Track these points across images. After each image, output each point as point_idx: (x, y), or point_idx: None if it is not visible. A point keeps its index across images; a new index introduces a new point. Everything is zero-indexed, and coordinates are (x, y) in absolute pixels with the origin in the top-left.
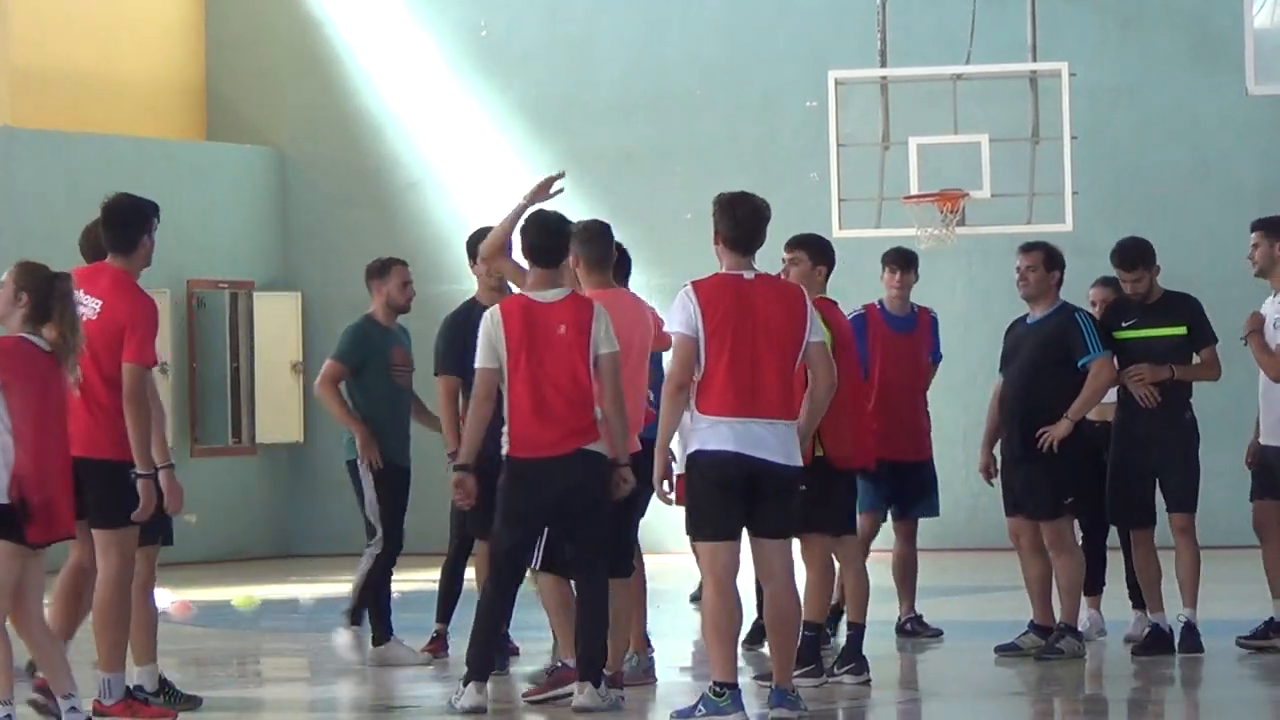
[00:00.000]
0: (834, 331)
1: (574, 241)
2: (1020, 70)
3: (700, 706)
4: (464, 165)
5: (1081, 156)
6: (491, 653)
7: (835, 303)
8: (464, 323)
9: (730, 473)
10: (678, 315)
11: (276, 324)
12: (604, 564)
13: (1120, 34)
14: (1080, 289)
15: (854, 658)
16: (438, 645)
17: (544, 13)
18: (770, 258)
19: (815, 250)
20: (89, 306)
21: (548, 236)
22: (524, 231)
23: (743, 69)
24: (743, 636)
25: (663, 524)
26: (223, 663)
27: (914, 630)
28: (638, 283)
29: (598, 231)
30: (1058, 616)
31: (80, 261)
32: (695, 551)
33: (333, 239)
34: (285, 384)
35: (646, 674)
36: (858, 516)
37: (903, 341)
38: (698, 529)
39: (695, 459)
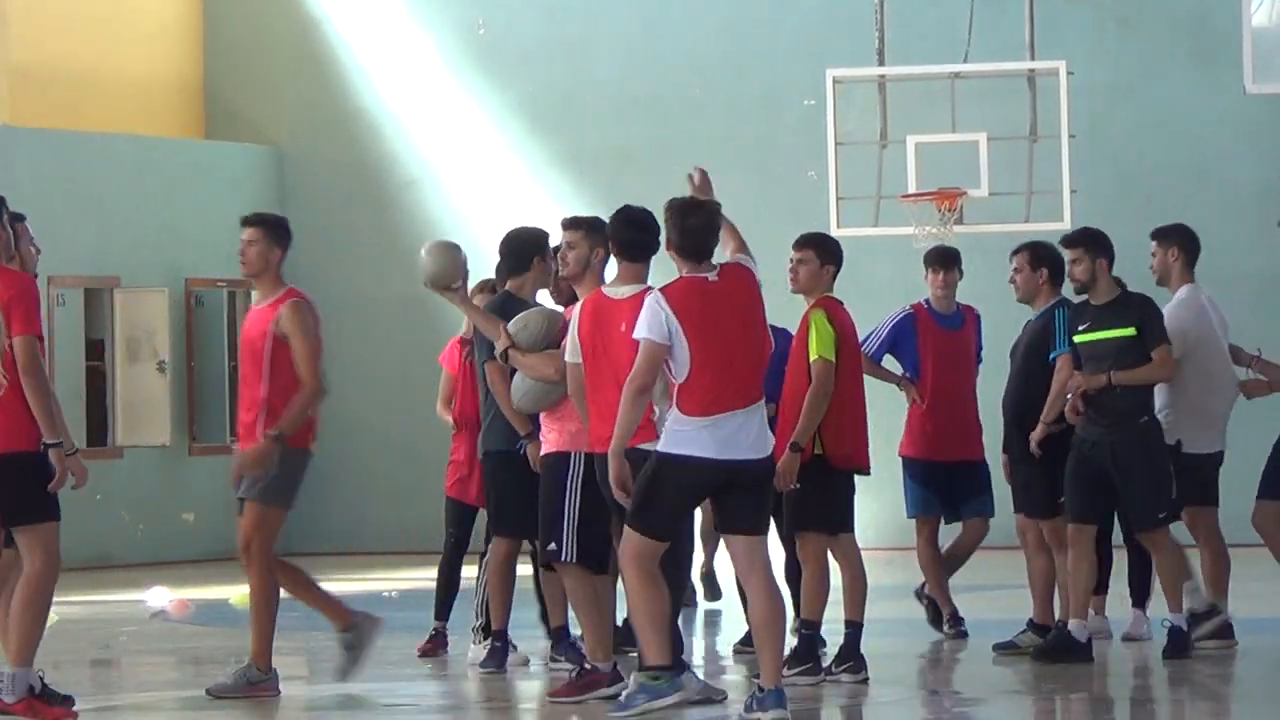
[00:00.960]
0: (837, 330)
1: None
2: (1018, 69)
3: (640, 694)
4: (462, 164)
5: (1080, 155)
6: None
7: (841, 302)
8: (498, 311)
9: (705, 480)
10: (649, 321)
11: None
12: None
13: (1118, 33)
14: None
15: (852, 656)
16: (436, 643)
17: (542, 12)
18: (771, 256)
19: (824, 250)
20: None
21: (638, 231)
22: (610, 228)
23: (741, 68)
24: (737, 640)
25: None
26: (221, 661)
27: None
28: None
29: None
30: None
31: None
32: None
33: (331, 237)
34: None
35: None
36: (915, 520)
37: (952, 340)
38: (643, 522)
39: (668, 461)
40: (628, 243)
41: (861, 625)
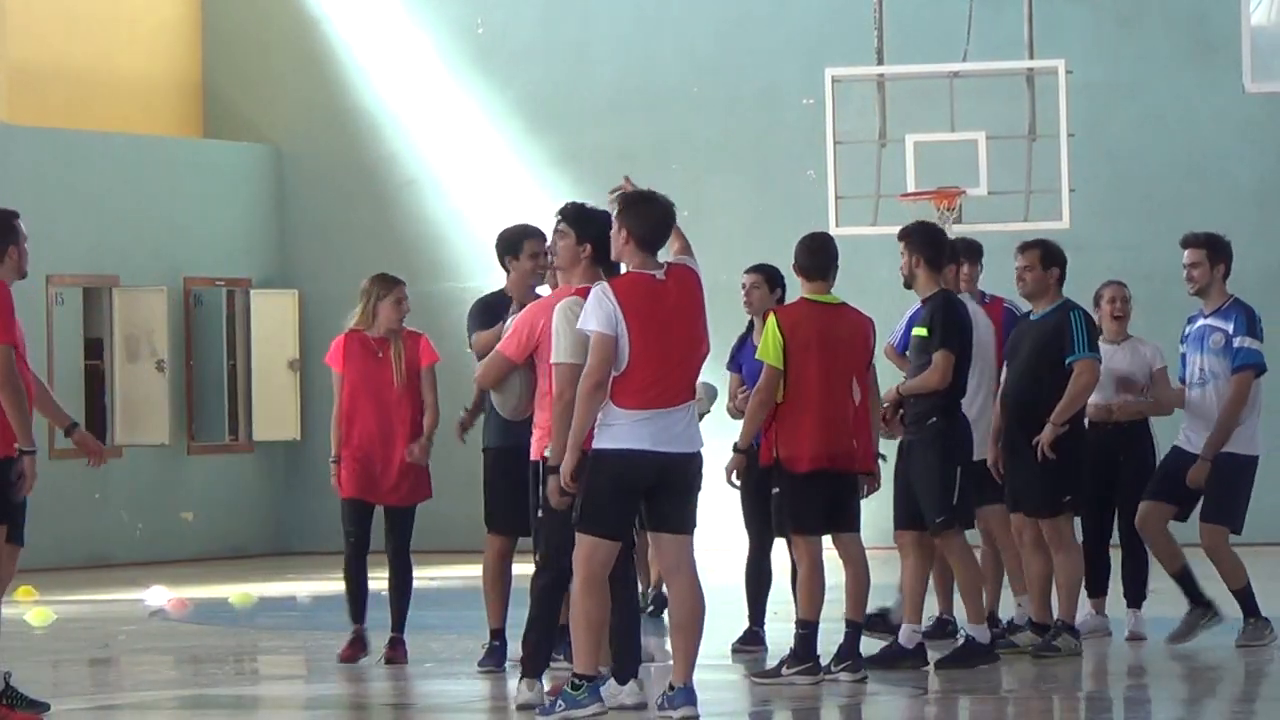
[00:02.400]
0: (787, 336)
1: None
2: (1017, 68)
3: (560, 701)
4: (461, 163)
5: (1079, 154)
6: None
7: (831, 304)
8: (493, 305)
9: (642, 472)
10: (596, 314)
11: (274, 321)
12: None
13: (1117, 31)
14: (1078, 286)
15: (851, 656)
16: (356, 648)
17: (541, 11)
18: (771, 256)
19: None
20: None
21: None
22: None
23: (740, 66)
24: (736, 639)
25: None
26: (220, 660)
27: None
28: None
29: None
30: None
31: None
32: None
33: (330, 236)
34: (282, 381)
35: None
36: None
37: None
38: (590, 523)
39: (605, 456)
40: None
41: (861, 625)
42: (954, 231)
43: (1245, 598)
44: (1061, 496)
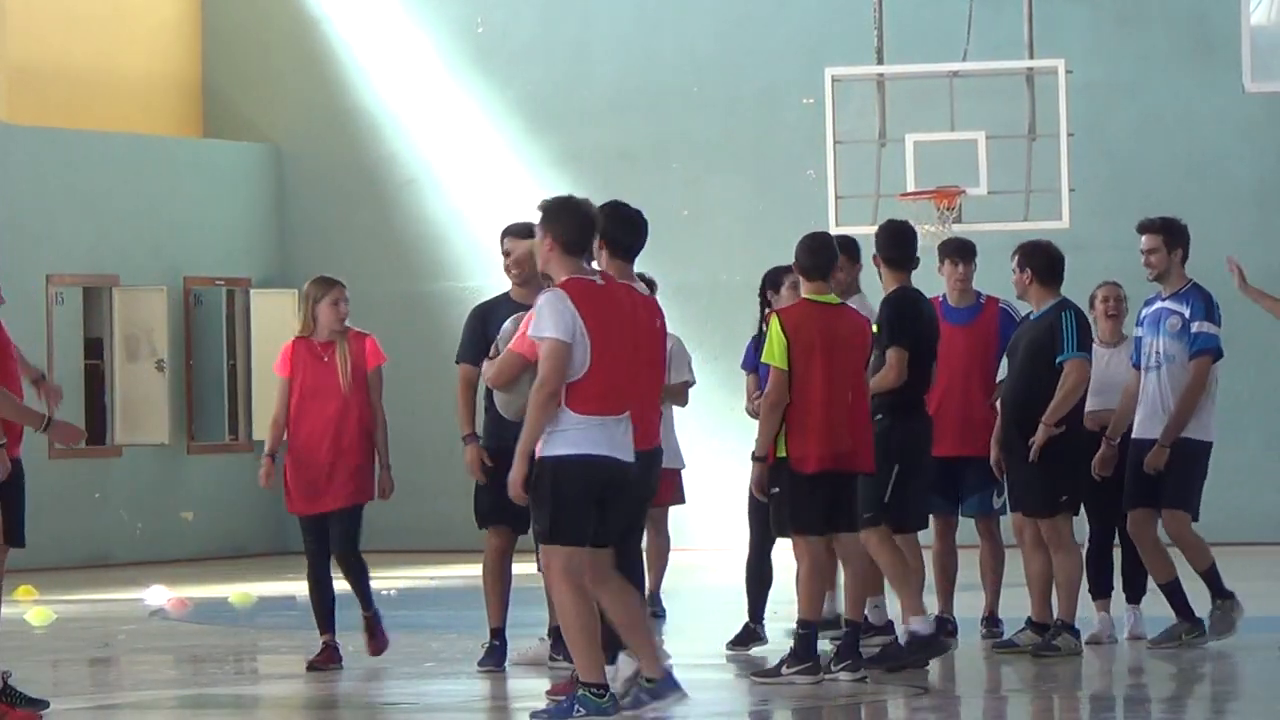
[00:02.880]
0: (791, 338)
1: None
2: (1017, 67)
3: (578, 707)
4: (460, 162)
5: (1078, 153)
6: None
7: (831, 304)
8: (486, 315)
9: (601, 477)
10: (552, 320)
11: (273, 321)
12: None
13: (1117, 31)
14: (1078, 286)
15: (850, 655)
16: (328, 656)
17: (540, 10)
18: (771, 254)
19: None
20: None
21: (628, 229)
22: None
23: (739, 66)
24: (731, 637)
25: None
26: (219, 659)
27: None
28: None
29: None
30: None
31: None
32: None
33: (330, 236)
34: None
35: None
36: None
37: (961, 335)
38: (557, 533)
39: (564, 462)
40: (618, 240)
41: (860, 625)
42: (954, 231)
43: (1212, 578)
44: (1059, 496)
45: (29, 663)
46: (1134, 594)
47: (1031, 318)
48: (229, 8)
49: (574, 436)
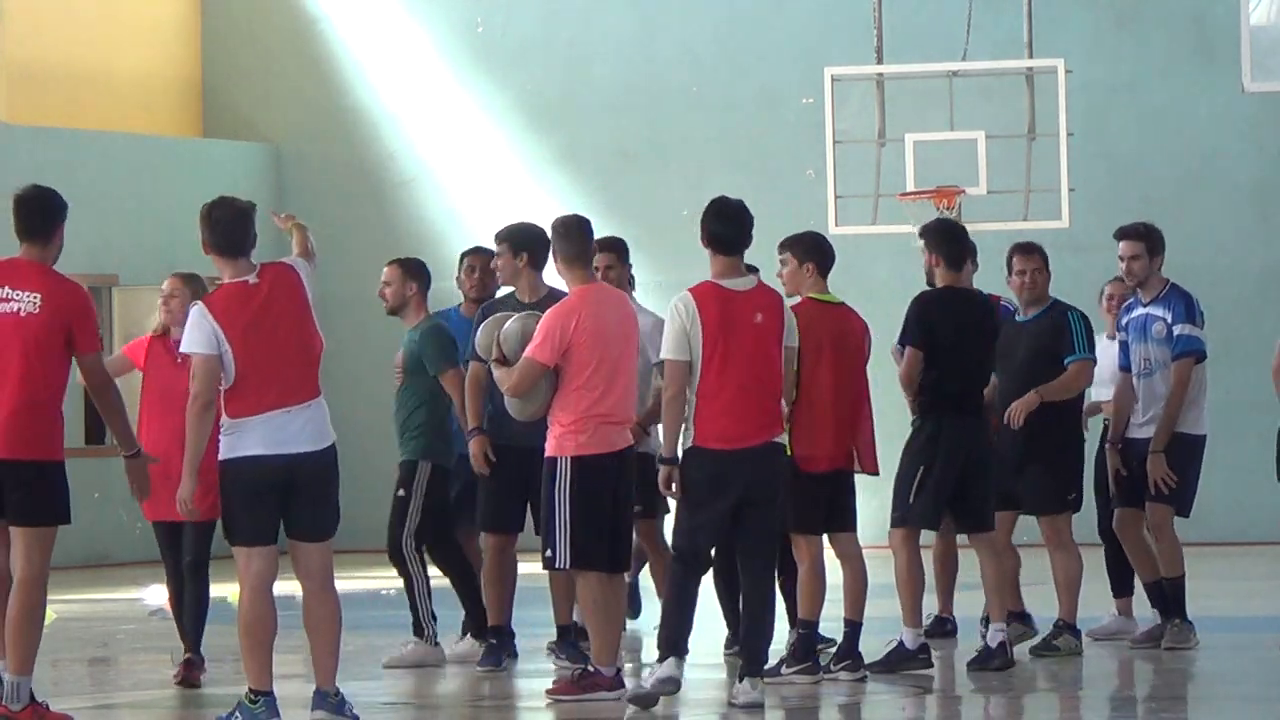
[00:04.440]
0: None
1: (552, 238)
2: (1016, 67)
3: (236, 714)
4: (460, 161)
5: (1078, 153)
6: (685, 631)
7: (831, 303)
8: (492, 313)
9: (263, 476)
10: (194, 336)
11: None
12: (771, 558)
13: (1117, 31)
14: (1078, 286)
15: (850, 655)
16: (190, 669)
17: (540, 9)
18: (771, 254)
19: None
20: (24, 301)
21: (727, 224)
22: (704, 219)
23: (739, 65)
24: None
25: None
26: (219, 659)
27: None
28: (635, 279)
29: (574, 226)
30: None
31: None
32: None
33: (329, 235)
34: None
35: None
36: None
37: None
38: (234, 535)
39: (229, 464)
40: (722, 236)
41: (860, 624)
42: None
43: (1176, 590)
44: (1068, 494)
45: None
46: (1121, 590)
47: (1021, 319)
48: (228, 7)
49: (234, 439)
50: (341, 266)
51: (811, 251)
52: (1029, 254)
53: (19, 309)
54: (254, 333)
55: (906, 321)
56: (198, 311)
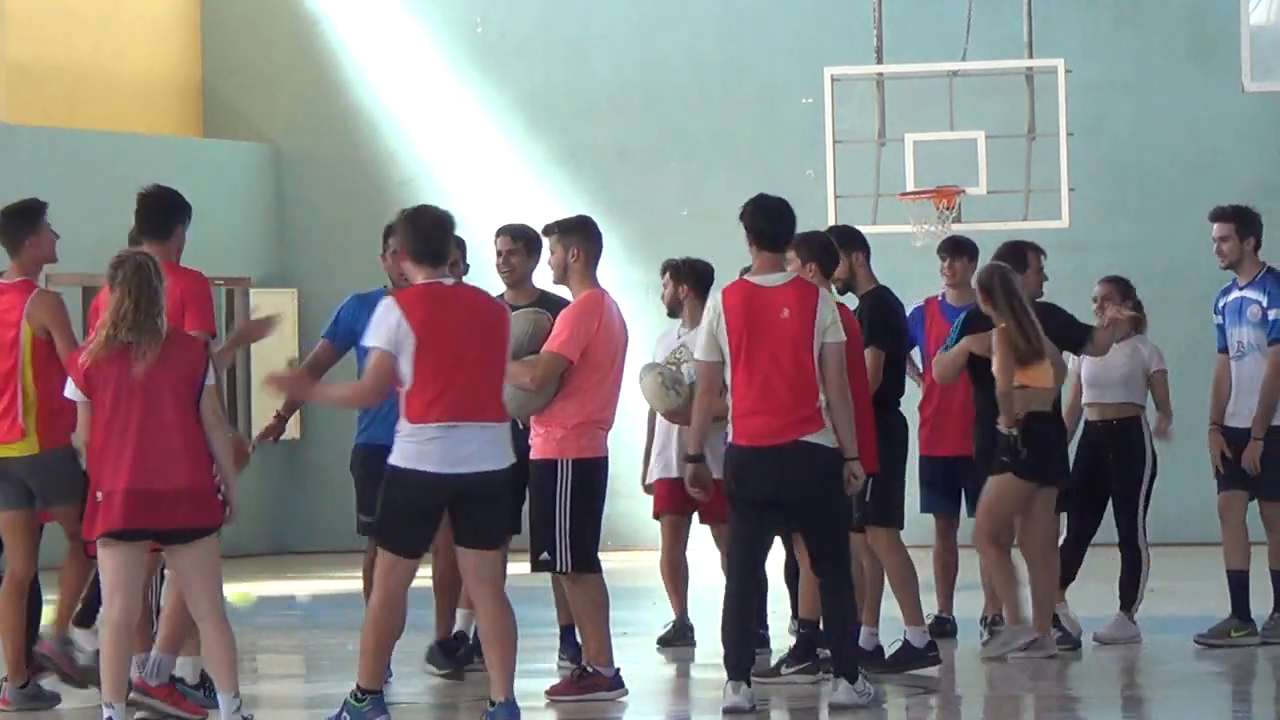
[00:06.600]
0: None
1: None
2: (1016, 66)
3: (344, 714)
4: (459, 161)
5: (1078, 153)
6: (749, 648)
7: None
8: None
9: (434, 493)
10: (379, 330)
11: None
12: (843, 558)
13: (1116, 30)
14: (1076, 286)
15: (808, 656)
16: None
17: (539, 8)
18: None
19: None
20: None
21: (769, 219)
22: (745, 216)
23: (739, 65)
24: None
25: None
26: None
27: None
28: (634, 279)
29: (593, 227)
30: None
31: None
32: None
33: (329, 235)
34: None
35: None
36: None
37: None
38: (383, 536)
39: (398, 474)
40: (761, 232)
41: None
42: (953, 231)
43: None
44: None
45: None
46: (1128, 600)
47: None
48: (228, 7)
49: (408, 449)
50: (341, 267)
51: (817, 251)
52: (1040, 253)
53: None
54: (445, 337)
55: (869, 322)
56: (389, 303)
